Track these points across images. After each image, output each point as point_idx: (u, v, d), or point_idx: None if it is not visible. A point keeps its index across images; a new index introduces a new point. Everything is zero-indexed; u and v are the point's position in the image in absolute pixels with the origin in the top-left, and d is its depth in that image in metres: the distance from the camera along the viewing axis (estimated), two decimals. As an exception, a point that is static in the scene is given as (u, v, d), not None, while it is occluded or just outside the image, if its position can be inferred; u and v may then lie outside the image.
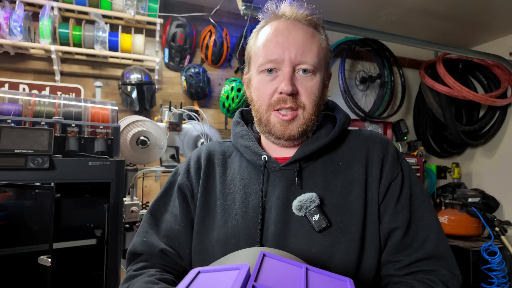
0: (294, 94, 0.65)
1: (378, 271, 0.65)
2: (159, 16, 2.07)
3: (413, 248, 0.63)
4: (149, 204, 0.77)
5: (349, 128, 0.76)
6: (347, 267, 0.61)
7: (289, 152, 0.71)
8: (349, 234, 0.62)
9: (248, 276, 0.34)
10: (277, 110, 0.67)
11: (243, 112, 0.83)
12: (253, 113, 0.74)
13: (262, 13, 0.71)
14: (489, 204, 2.56)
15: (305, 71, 0.66)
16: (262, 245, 0.63)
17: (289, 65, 0.65)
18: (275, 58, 0.65)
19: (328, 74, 0.74)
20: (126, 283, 0.66)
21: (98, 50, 1.93)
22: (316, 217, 0.62)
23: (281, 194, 0.66)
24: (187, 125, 1.94)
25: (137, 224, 1.59)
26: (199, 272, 0.39)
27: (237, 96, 2.18)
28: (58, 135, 1.35)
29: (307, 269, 0.40)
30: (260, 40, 0.69)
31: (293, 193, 0.66)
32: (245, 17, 1.74)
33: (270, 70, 0.67)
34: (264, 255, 0.40)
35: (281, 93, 0.65)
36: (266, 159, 0.68)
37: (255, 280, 0.34)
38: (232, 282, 0.33)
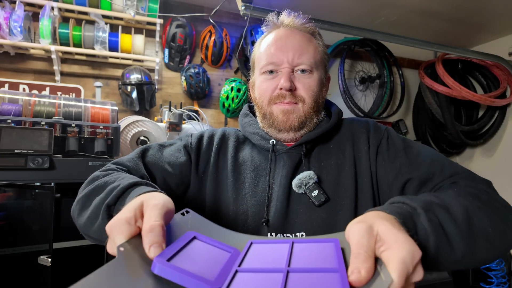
0: (292, 90, 0.71)
1: None
2: (159, 17, 2.07)
3: (432, 179, 0.64)
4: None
5: None
6: None
7: (291, 143, 0.77)
8: (344, 206, 0.68)
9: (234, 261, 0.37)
10: (278, 103, 0.73)
11: (250, 106, 0.88)
12: (257, 112, 0.79)
13: (264, 25, 0.79)
14: (488, 204, 2.57)
15: (303, 71, 0.72)
16: (268, 220, 0.67)
17: (288, 66, 0.71)
18: (275, 61, 0.72)
19: (327, 76, 0.79)
20: (104, 171, 0.63)
21: (98, 50, 1.93)
22: (315, 192, 0.67)
23: (286, 174, 0.71)
24: (187, 125, 1.94)
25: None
26: (194, 237, 0.40)
27: (237, 96, 2.19)
28: (58, 135, 1.35)
29: (293, 242, 0.41)
30: (263, 47, 0.76)
31: (297, 173, 0.71)
32: (245, 18, 1.74)
33: (271, 72, 0.73)
34: (251, 243, 0.43)
35: (281, 89, 0.71)
36: (274, 142, 0.74)
37: (240, 265, 0.37)
38: (220, 265, 0.36)
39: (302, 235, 0.67)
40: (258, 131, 0.77)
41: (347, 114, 2.64)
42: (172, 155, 0.74)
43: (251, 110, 0.86)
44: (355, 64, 2.76)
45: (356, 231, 0.36)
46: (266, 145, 0.74)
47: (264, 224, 0.67)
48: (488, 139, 2.76)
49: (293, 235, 0.67)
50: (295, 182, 0.69)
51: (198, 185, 0.74)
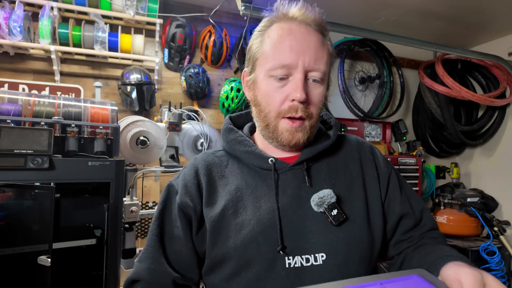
0: (304, 102, 0.65)
1: (382, 250, 0.74)
2: (159, 17, 2.07)
3: (420, 226, 0.75)
4: (150, 226, 0.72)
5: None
6: (363, 255, 0.67)
7: (286, 154, 0.73)
8: (359, 225, 0.68)
9: None
10: (287, 118, 0.66)
11: (232, 118, 0.82)
12: (256, 117, 0.72)
13: (267, 12, 0.69)
14: (488, 204, 2.57)
15: (314, 80, 0.66)
16: (283, 245, 0.63)
17: (301, 72, 0.63)
18: (288, 63, 0.63)
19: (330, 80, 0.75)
20: None
21: (98, 50, 1.93)
22: (335, 211, 0.65)
23: (294, 193, 0.68)
24: (186, 125, 1.94)
25: (136, 224, 1.59)
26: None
27: (237, 96, 2.19)
28: (58, 135, 1.35)
29: (380, 283, 0.47)
30: (270, 42, 0.66)
31: (305, 191, 0.68)
32: (245, 18, 1.74)
33: (281, 78, 0.65)
34: None
35: (293, 100, 0.64)
36: (274, 160, 0.70)
37: None
38: None
39: (322, 256, 0.63)
40: (252, 149, 0.71)
41: (347, 114, 2.65)
42: (176, 227, 0.69)
43: (234, 123, 0.80)
44: (355, 64, 2.76)
45: (471, 275, 0.48)
46: (265, 164, 0.69)
47: (280, 251, 0.63)
48: (488, 139, 2.76)
49: (312, 256, 0.63)
50: (315, 200, 0.65)
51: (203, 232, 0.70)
